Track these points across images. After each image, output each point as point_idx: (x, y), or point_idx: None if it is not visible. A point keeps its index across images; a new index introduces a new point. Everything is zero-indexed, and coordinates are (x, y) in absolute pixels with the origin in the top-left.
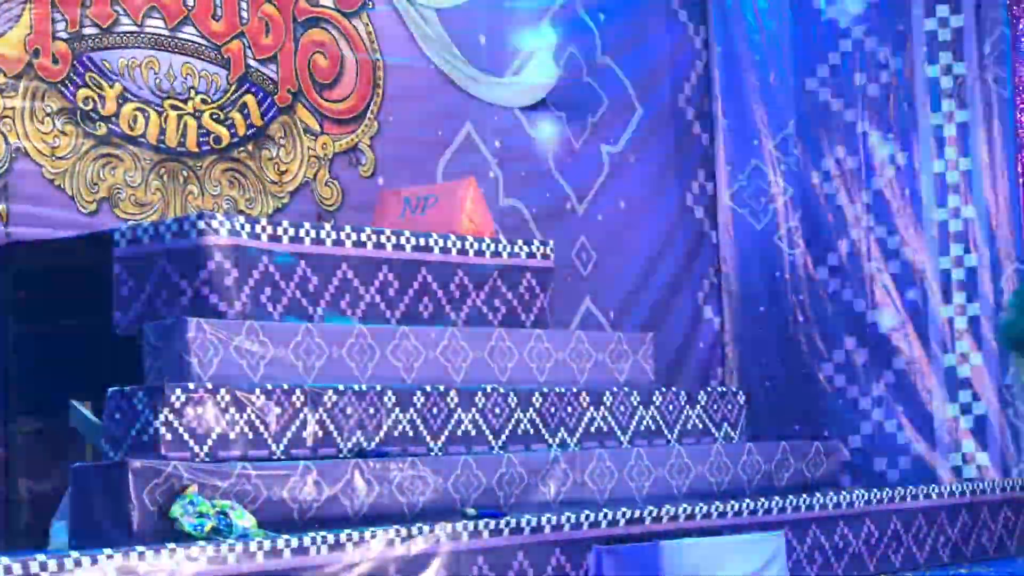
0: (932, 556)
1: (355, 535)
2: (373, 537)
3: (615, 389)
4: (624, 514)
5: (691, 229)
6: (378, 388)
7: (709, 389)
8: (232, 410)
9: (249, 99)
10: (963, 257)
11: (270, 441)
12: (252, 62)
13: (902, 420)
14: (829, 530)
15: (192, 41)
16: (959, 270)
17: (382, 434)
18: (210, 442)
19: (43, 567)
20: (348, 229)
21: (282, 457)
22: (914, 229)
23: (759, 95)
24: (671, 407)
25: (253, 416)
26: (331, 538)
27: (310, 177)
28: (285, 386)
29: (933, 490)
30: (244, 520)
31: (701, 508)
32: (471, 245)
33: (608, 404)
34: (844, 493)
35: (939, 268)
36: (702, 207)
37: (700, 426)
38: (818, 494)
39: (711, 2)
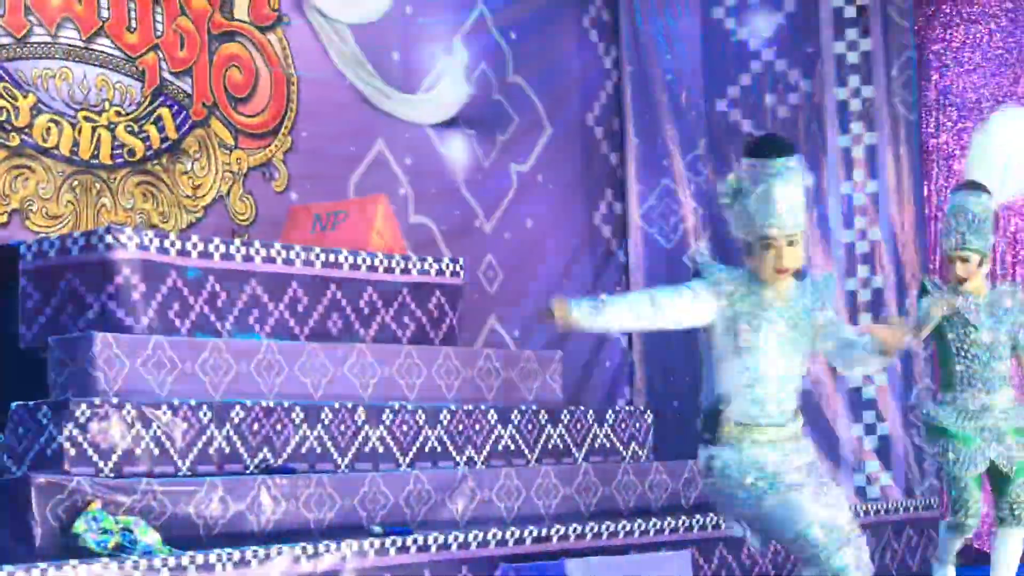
0: None
1: (261, 552)
2: (279, 554)
3: (523, 407)
4: (531, 532)
5: (598, 248)
6: (286, 404)
7: (616, 408)
8: (138, 425)
9: (164, 112)
10: (870, 278)
11: (176, 457)
12: (167, 75)
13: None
14: (736, 549)
15: (107, 53)
16: (865, 291)
17: (289, 450)
18: (115, 457)
19: None
20: (257, 245)
21: (188, 473)
22: (822, 250)
23: (670, 115)
24: (578, 425)
25: (159, 432)
26: (237, 555)
27: (224, 192)
28: (192, 402)
29: None
30: (148, 536)
31: (608, 527)
32: (381, 262)
33: (516, 422)
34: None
35: (846, 289)
36: (610, 226)
37: (607, 444)
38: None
39: (622, 22)
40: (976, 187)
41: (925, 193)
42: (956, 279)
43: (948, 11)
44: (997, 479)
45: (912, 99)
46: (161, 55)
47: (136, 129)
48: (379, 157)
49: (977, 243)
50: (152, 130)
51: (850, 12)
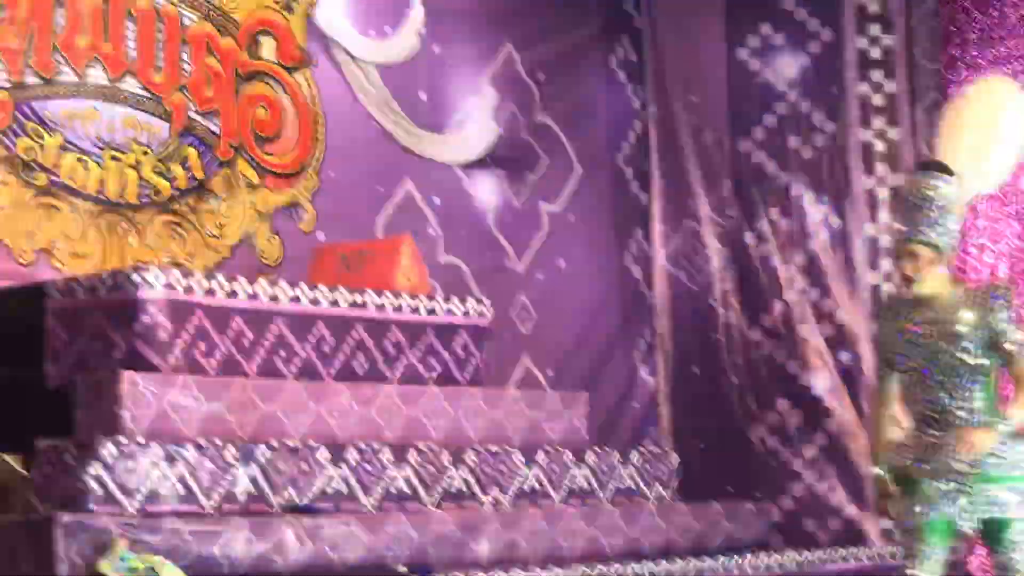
0: None
1: None
2: None
3: (548, 447)
4: (556, 573)
5: (629, 288)
6: (311, 444)
7: (643, 449)
8: (164, 464)
9: (191, 152)
10: None
11: (202, 496)
12: (194, 115)
13: (833, 482)
14: None
15: (134, 93)
16: None
17: (315, 490)
18: (141, 497)
19: None
20: (283, 284)
21: (214, 513)
22: (847, 292)
23: (694, 156)
24: (604, 466)
25: (185, 471)
26: None
27: (251, 231)
28: (218, 441)
29: (863, 552)
30: None
31: (633, 568)
32: (406, 302)
33: (541, 462)
34: (775, 555)
35: (872, 331)
36: (640, 267)
37: (633, 486)
38: (749, 556)
39: (647, 63)
40: (937, 168)
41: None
42: (902, 278)
43: (974, 53)
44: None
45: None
46: (188, 95)
47: (163, 169)
48: (407, 197)
49: (929, 235)
50: (178, 170)
51: (875, 53)
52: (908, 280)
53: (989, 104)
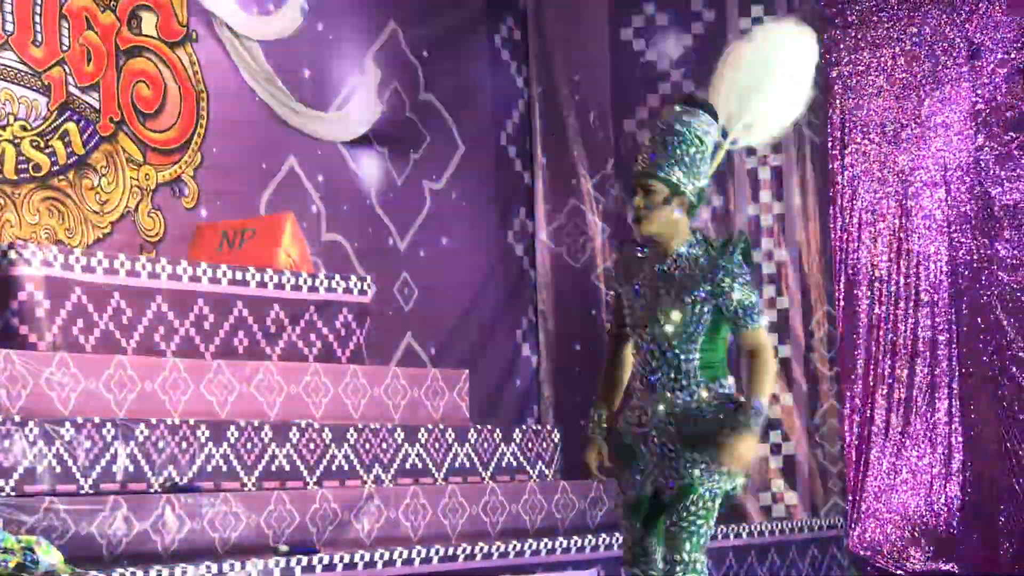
0: None
1: (164, 572)
2: (184, 574)
3: (430, 426)
4: (438, 551)
5: (512, 267)
6: (191, 422)
7: (524, 427)
8: (40, 443)
9: (71, 127)
10: (775, 299)
11: (79, 475)
12: (74, 89)
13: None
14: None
15: (11, 67)
16: (771, 311)
17: (195, 469)
18: (16, 476)
19: None
20: (164, 262)
21: (91, 492)
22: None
23: (578, 135)
24: (486, 444)
25: (62, 449)
26: (140, 574)
27: (132, 207)
28: (96, 419)
29: (743, 529)
30: (51, 556)
31: (515, 546)
32: (288, 279)
33: (423, 441)
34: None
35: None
36: (522, 245)
37: (515, 464)
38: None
39: (531, 42)
40: (695, 105)
41: (831, 215)
42: (633, 216)
43: (854, 35)
44: None
45: (818, 122)
46: (67, 70)
47: (42, 144)
48: (291, 174)
49: (669, 171)
50: (58, 145)
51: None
52: (637, 219)
53: (772, 47)
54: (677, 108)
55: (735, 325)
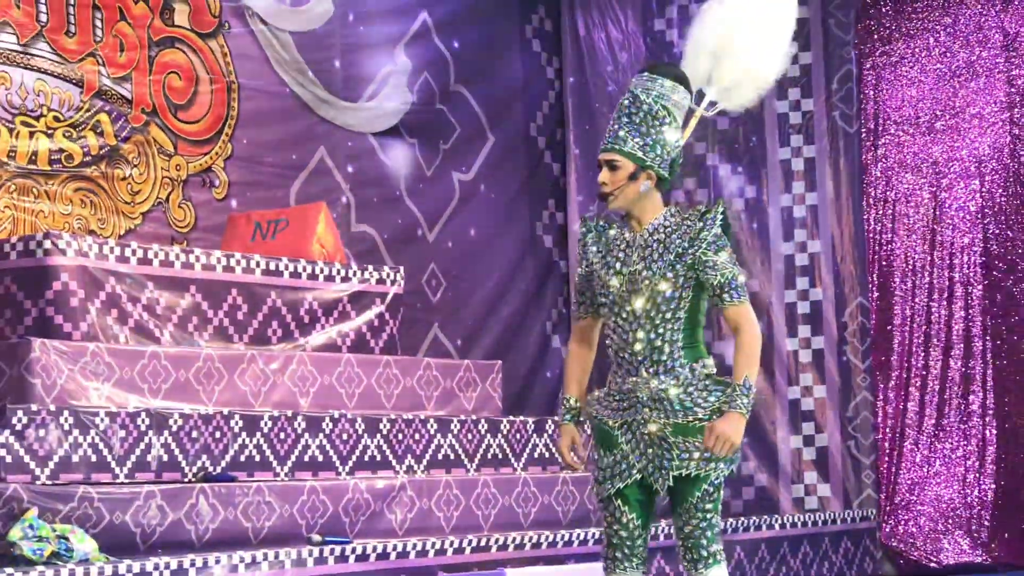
0: None
1: (198, 560)
2: (217, 563)
3: (463, 417)
4: (470, 542)
5: (541, 258)
6: (225, 412)
7: (556, 418)
8: (75, 432)
9: (103, 118)
10: (808, 291)
11: (114, 464)
12: (106, 80)
13: (747, 451)
14: (672, 559)
15: (45, 57)
16: (804, 303)
17: (228, 458)
18: (52, 464)
19: None
20: (197, 252)
21: (126, 480)
22: (761, 262)
23: None
24: (518, 435)
25: (97, 438)
26: (174, 563)
27: (163, 198)
28: (130, 408)
29: (776, 520)
30: (85, 544)
31: (547, 536)
32: (321, 270)
33: (455, 431)
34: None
35: (785, 301)
36: (551, 236)
37: (547, 454)
38: (663, 523)
39: (564, 33)
40: (660, 71)
41: (864, 206)
42: (599, 192)
43: (888, 25)
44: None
45: (852, 112)
46: (100, 60)
47: (74, 135)
48: (321, 165)
49: (632, 144)
50: (90, 136)
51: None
52: (603, 195)
53: (746, 5)
54: (642, 77)
55: (719, 300)
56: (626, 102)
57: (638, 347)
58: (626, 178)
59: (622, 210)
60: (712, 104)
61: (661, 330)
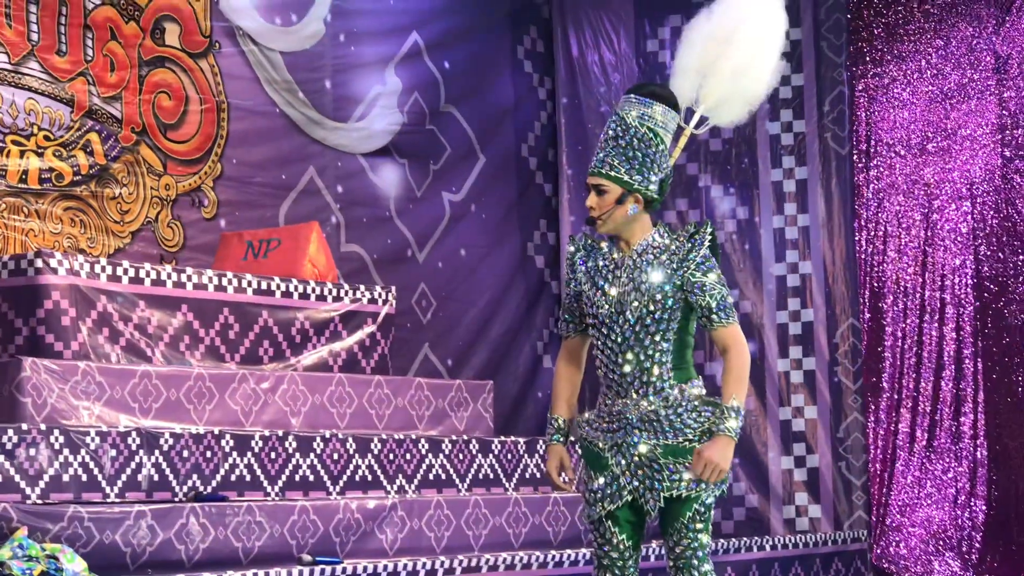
0: None
1: None
2: None
3: (454, 437)
4: (461, 562)
5: (531, 278)
6: (216, 431)
7: (544, 438)
8: (66, 451)
9: (93, 137)
10: (800, 312)
11: (104, 483)
12: (96, 100)
13: (738, 471)
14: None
15: (36, 76)
16: (796, 324)
17: (219, 478)
18: (42, 484)
19: None
20: (189, 271)
21: (116, 500)
22: (753, 283)
23: None
24: (510, 455)
25: (87, 458)
26: None
27: (152, 217)
28: (121, 428)
29: (767, 541)
30: (75, 564)
31: (538, 557)
32: (313, 290)
33: (447, 452)
34: (663, 544)
35: (776, 322)
36: (543, 256)
37: (538, 475)
38: (653, 544)
39: (557, 53)
40: (647, 92)
41: (856, 227)
42: (588, 217)
43: (880, 47)
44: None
45: (843, 134)
46: (91, 80)
47: (64, 154)
48: (310, 185)
49: (619, 168)
50: (80, 155)
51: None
52: (592, 219)
53: (733, 21)
54: (629, 98)
55: (708, 321)
56: (612, 124)
57: (627, 368)
58: (613, 202)
59: (611, 233)
60: (702, 121)
61: (650, 351)
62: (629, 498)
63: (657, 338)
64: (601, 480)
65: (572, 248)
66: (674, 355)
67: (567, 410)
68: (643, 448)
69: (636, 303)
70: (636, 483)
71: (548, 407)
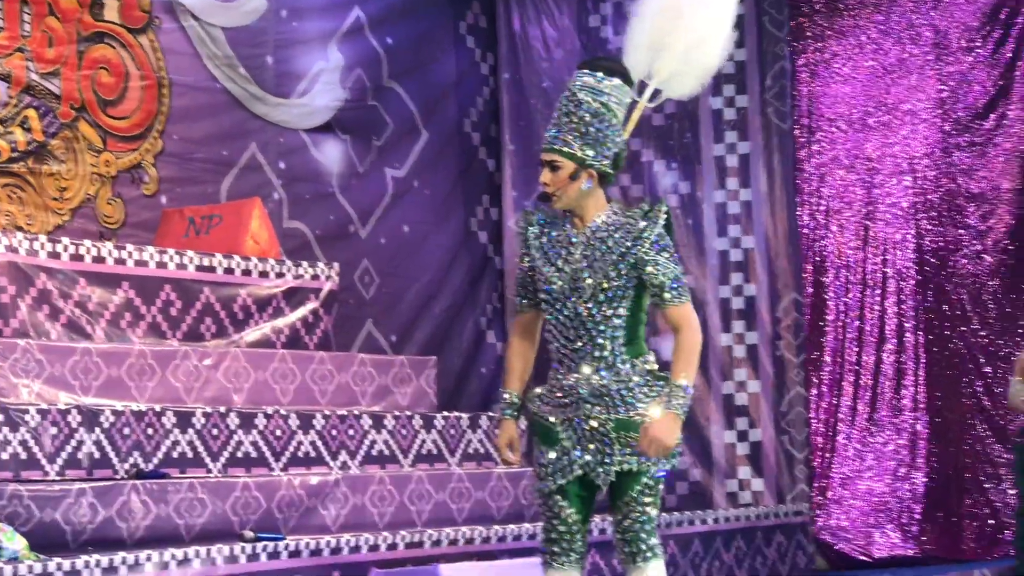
0: None
1: (130, 558)
2: (148, 560)
3: (397, 412)
4: (404, 537)
5: (475, 254)
6: (157, 408)
7: (491, 414)
8: (5, 429)
9: (31, 113)
10: (743, 286)
11: (44, 461)
12: (34, 76)
13: (681, 446)
14: (607, 554)
15: None
16: (739, 299)
17: (160, 455)
18: None
19: None
20: (130, 248)
21: (56, 478)
22: (696, 258)
23: (546, 122)
24: (453, 431)
25: (27, 436)
26: (105, 561)
27: (92, 194)
28: (61, 405)
29: (710, 515)
30: (15, 543)
31: (481, 532)
32: (255, 266)
33: (390, 427)
34: (611, 517)
35: (719, 296)
36: (486, 232)
37: (481, 450)
38: (597, 518)
39: (499, 29)
40: (599, 67)
41: (798, 201)
42: (543, 193)
43: (821, 23)
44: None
45: (785, 109)
46: (28, 55)
47: (2, 131)
48: (252, 161)
49: (572, 144)
50: (18, 132)
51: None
52: (545, 195)
53: None
54: (580, 73)
55: (660, 300)
56: (564, 100)
57: (579, 344)
58: (567, 178)
59: (566, 209)
60: (655, 95)
61: (603, 327)
62: (580, 472)
63: (609, 313)
64: (552, 454)
65: (525, 223)
66: (626, 331)
67: (519, 385)
68: (594, 423)
69: (589, 279)
70: (587, 457)
71: (493, 382)
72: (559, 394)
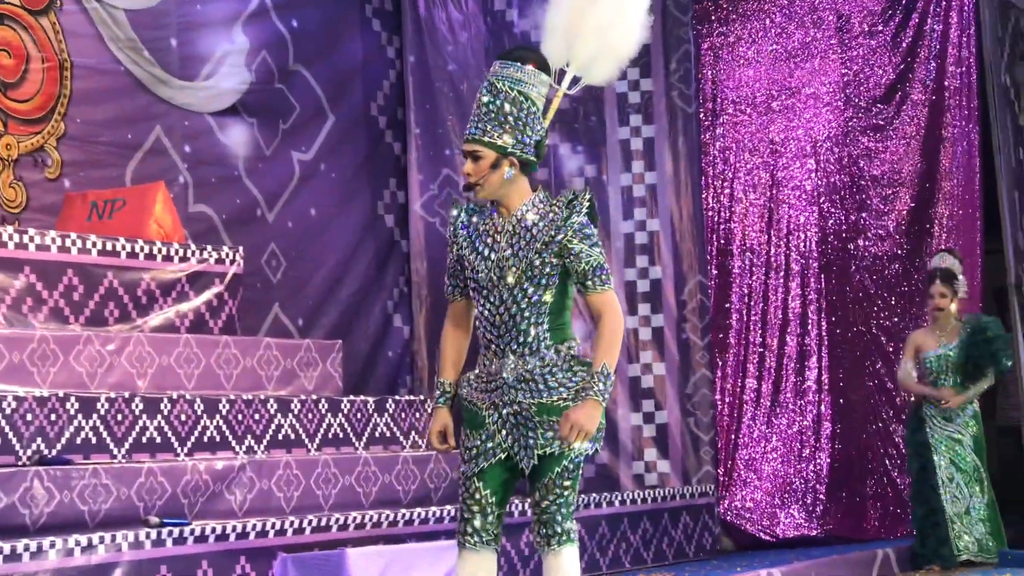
0: (614, 561)
1: (32, 545)
2: (52, 547)
3: (303, 396)
4: (310, 522)
5: (382, 237)
6: (60, 394)
7: (397, 398)
8: None
9: None
10: (648, 269)
11: None
12: None
13: (603, 431)
14: (515, 537)
15: None
16: (644, 281)
17: (64, 441)
18: None
19: None
20: (31, 232)
21: None
22: (601, 240)
23: (452, 105)
24: (359, 415)
25: None
26: (7, 548)
27: None
28: None
29: (616, 497)
30: None
31: (388, 516)
32: (159, 250)
33: (296, 411)
34: (528, 500)
35: (624, 279)
36: (393, 216)
37: (388, 434)
38: (516, 499)
39: (405, 12)
40: (515, 56)
41: (703, 185)
42: (465, 184)
43: (725, 6)
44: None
45: (690, 92)
46: None
47: None
48: (157, 144)
49: (492, 133)
50: None
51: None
52: (469, 185)
53: None
54: (499, 64)
55: (583, 287)
56: (484, 90)
57: (505, 330)
58: (489, 167)
59: (489, 198)
60: (575, 82)
61: (528, 314)
62: (503, 455)
63: (535, 300)
64: (477, 438)
65: (455, 211)
66: (551, 317)
67: (454, 373)
68: (517, 406)
69: (515, 267)
70: (510, 440)
71: (399, 366)
72: (485, 379)
